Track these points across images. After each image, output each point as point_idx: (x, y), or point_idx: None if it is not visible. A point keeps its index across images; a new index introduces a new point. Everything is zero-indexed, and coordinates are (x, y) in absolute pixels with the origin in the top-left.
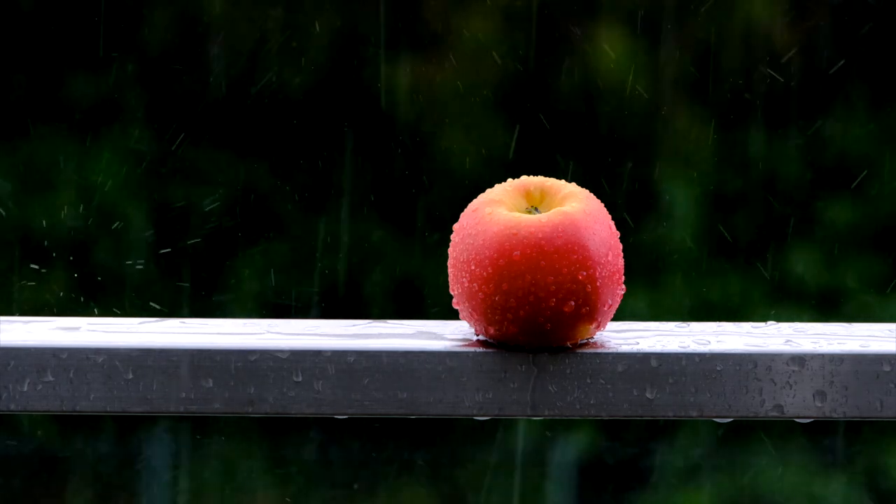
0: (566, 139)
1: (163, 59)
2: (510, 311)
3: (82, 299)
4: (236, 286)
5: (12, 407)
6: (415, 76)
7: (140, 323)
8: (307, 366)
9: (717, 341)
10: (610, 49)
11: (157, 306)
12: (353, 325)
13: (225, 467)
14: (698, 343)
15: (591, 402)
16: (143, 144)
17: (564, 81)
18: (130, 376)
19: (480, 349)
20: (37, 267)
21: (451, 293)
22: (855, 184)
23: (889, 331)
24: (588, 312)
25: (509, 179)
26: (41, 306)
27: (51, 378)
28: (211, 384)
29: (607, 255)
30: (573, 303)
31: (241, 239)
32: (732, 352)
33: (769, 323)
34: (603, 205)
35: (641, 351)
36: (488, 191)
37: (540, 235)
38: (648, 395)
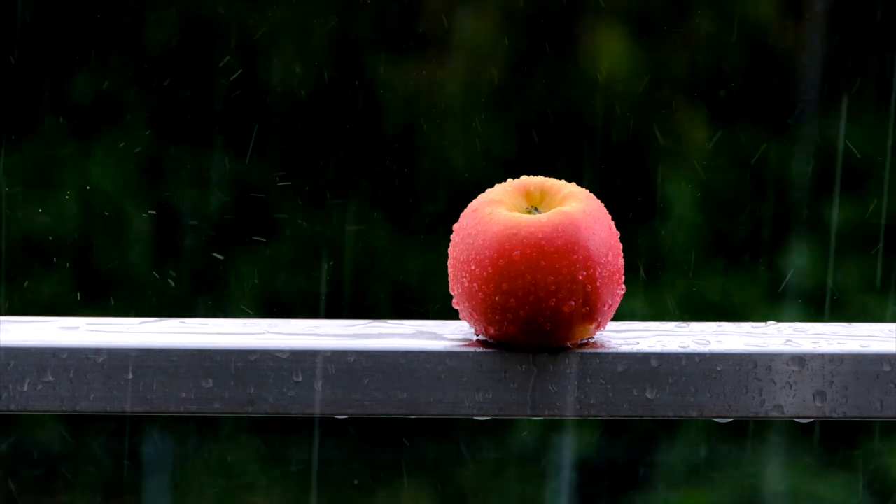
0: (566, 139)
1: (163, 59)
2: (510, 311)
3: (82, 299)
4: (236, 286)
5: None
6: (415, 76)
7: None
8: (307, 366)
9: (717, 341)
10: (610, 49)
11: (157, 306)
12: (353, 325)
13: (225, 467)
14: (698, 343)
15: (591, 402)
16: (143, 144)
17: (564, 81)
18: (130, 376)
19: (480, 349)
20: (37, 267)
21: (451, 293)
22: (855, 184)
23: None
24: (588, 312)
25: (509, 179)
26: (41, 306)
27: (51, 378)
28: (211, 384)
29: (607, 255)
30: (573, 303)
31: (241, 239)
32: (732, 352)
33: (769, 323)
34: (603, 205)
35: (641, 351)
36: (488, 191)
37: (540, 235)
38: (648, 395)
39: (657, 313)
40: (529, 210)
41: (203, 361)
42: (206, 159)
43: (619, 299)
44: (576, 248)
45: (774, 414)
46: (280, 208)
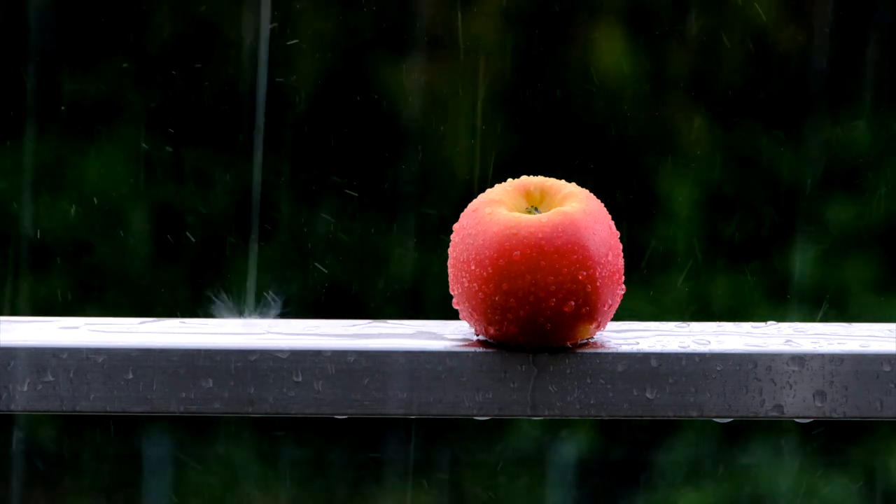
0: (566, 139)
1: (163, 59)
2: (510, 311)
3: (82, 299)
4: (236, 286)
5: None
6: (415, 76)
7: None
8: (307, 366)
9: (717, 341)
10: (610, 49)
11: (157, 306)
12: (353, 325)
13: (225, 467)
14: (698, 343)
15: (591, 402)
16: (142, 144)
17: (564, 81)
18: (130, 376)
19: (480, 349)
20: (37, 267)
21: (451, 293)
22: (855, 184)
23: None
24: (588, 312)
25: (509, 179)
26: (41, 306)
27: (51, 378)
28: (211, 384)
29: (607, 255)
30: (573, 303)
31: (241, 239)
32: (732, 352)
33: (769, 323)
34: (603, 205)
35: (641, 351)
36: (488, 191)
37: (540, 235)
38: (648, 395)
39: (657, 313)
40: (529, 210)
41: (203, 361)
42: (206, 159)
43: (619, 299)
44: (576, 248)
45: (774, 414)
46: (280, 208)
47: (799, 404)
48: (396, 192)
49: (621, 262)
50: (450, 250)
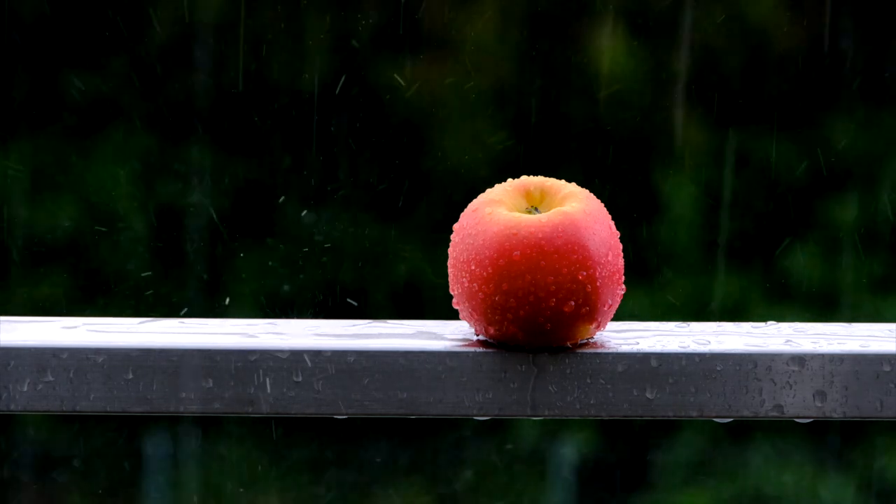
0: (566, 139)
1: (162, 59)
2: (510, 311)
3: (82, 300)
4: (236, 286)
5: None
6: (415, 76)
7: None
8: (307, 366)
9: (717, 341)
10: (610, 49)
11: (157, 306)
12: (353, 325)
13: (225, 467)
14: (698, 343)
15: (591, 402)
16: (142, 144)
17: (564, 81)
18: (130, 376)
19: (480, 349)
20: (37, 267)
21: (451, 293)
22: (855, 184)
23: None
24: (588, 312)
25: (509, 179)
26: (41, 306)
27: (51, 378)
28: (211, 384)
29: (607, 255)
30: (573, 303)
31: (240, 239)
32: (732, 352)
33: (769, 323)
34: (603, 205)
35: (641, 351)
36: (488, 191)
37: (540, 235)
38: (648, 395)
39: (657, 313)
40: (529, 210)
41: (203, 361)
42: (206, 159)
43: (619, 299)
44: (576, 248)
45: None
46: (280, 208)
47: (799, 404)
48: (396, 192)
49: (621, 262)
50: (450, 250)
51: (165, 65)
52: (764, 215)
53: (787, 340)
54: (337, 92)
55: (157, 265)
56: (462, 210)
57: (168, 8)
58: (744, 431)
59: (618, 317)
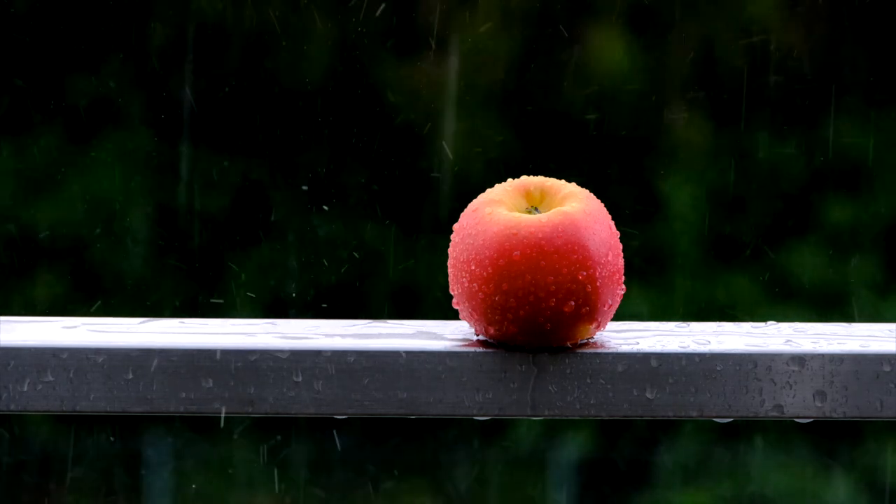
0: (566, 139)
1: (163, 59)
2: (510, 311)
3: (82, 299)
4: (236, 286)
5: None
6: (415, 76)
7: (140, 323)
8: (307, 366)
9: (717, 341)
10: (610, 48)
11: (157, 306)
12: (353, 325)
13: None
14: (698, 343)
15: (591, 402)
16: (142, 144)
17: (564, 81)
18: (130, 376)
19: (480, 349)
20: (37, 267)
21: (451, 293)
22: (855, 184)
23: (889, 331)
24: (588, 312)
25: (509, 179)
26: (41, 306)
27: (51, 378)
28: (211, 384)
29: (607, 255)
30: (573, 303)
31: (240, 239)
32: (732, 352)
33: (769, 323)
34: (603, 205)
35: (641, 351)
36: (488, 191)
37: (540, 235)
38: (648, 395)
39: (657, 313)
40: (529, 210)
41: (203, 361)
42: (205, 159)
43: (619, 299)
44: (576, 248)
45: (774, 414)
46: (280, 208)
47: (799, 404)
48: (396, 192)
49: (621, 262)
50: (450, 250)
51: (165, 64)
52: (764, 215)
53: (787, 340)
54: (337, 92)
55: (156, 265)
56: (462, 210)
57: (168, 8)
58: (744, 431)
59: (618, 317)
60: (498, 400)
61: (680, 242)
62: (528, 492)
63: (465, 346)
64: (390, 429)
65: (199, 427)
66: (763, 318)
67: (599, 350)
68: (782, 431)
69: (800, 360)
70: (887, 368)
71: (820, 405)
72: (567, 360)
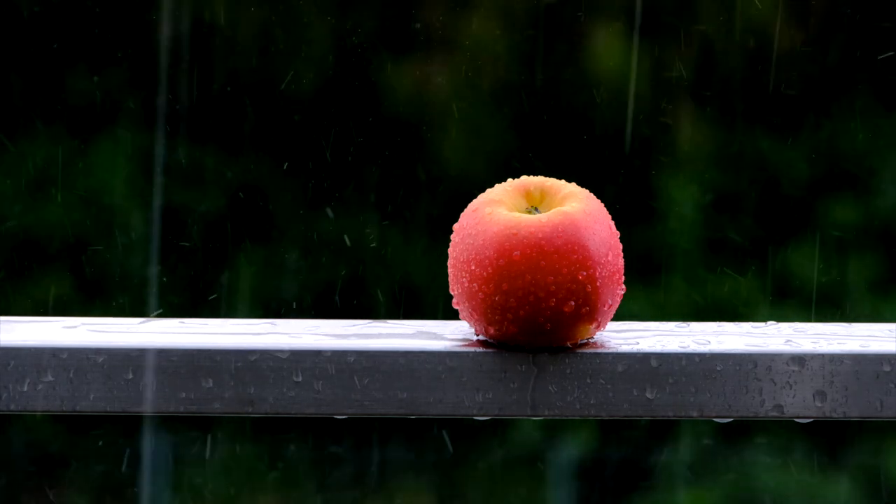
0: (566, 139)
1: (163, 59)
2: (510, 311)
3: (82, 299)
4: (236, 286)
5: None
6: (415, 76)
7: (140, 323)
8: (307, 366)
9: (717, 341)
10: (610, 49)
11: (157, 306)
12: (353, 325)
13: (225, 467)
14: (698, 343)
15: (591, 402)
16: (142, 144)
17: (564, 81)
18: (130, 376)
19: (480, 349)
20: (37, 267)
21: (451, 293)
22: (855, 184)
23: (889, 331)
24: (588, 312)
25: (509, 179)
26: (41, 306)
27: (51, 378)
28: (211, 384)
29: (607, 255)
30: (573, 303)
31: (240, 239)
32: (732, 352)
33: (769, 323)
34: (603, 205)
35: (641, 351)
36: (488, 191)
37: (540, 235)
38: (648, 395)
39: (657, 313)
40: (529, 210)
41: (203, 361)
42: (205, 159)
43: (619, 299)
44: (576, 248)
45: (774, 414)
46: (280, 208)
47: (799, 404)
48: (396, 192)
49: (621, 262)
50: (450, 250)
51: (165, 64)
52: (764, 215)
53: (787, 340)
54: (337, 91)
55: (157, 265)
56: (462, 210)
57: (168, 8)
58: (744, 431)
59: (618, 317)
60: (498, 400)
61: (680, 242)
62: (527, 492)
63: (465, 346)
64: (390, 429)
65: (200, 427)
66: (763, 318)
67: (599, 350)
68: (782, 431)
69: (800, 360)
70: (887, 368)
71: (820, 405)
72: (567, 360)
